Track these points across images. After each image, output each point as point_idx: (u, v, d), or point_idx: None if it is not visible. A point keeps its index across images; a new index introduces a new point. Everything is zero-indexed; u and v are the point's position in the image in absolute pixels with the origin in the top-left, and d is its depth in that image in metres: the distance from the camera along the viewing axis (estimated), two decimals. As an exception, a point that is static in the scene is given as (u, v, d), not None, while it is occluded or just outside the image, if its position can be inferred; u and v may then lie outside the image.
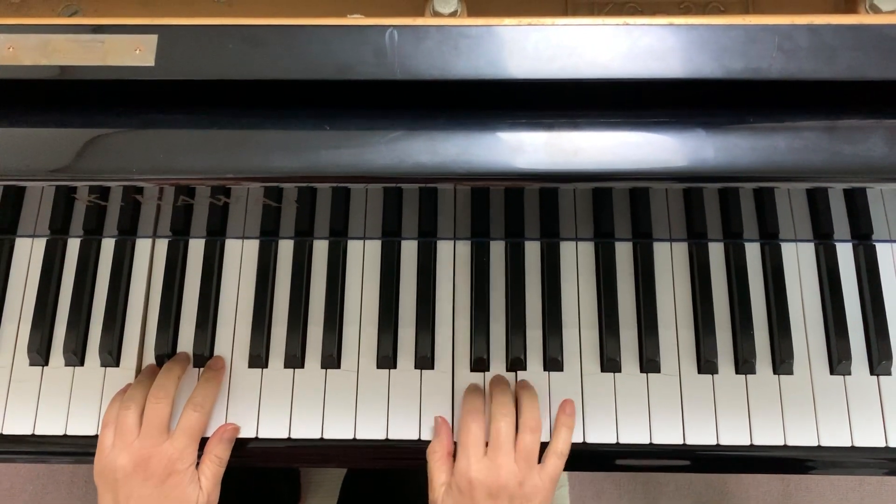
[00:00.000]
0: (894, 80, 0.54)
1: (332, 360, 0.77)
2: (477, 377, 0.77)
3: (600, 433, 0.75)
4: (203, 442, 0.74)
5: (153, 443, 0.69)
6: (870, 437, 0.74)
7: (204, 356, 0.78)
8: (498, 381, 0.76)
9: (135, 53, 0.55)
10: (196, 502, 0.70)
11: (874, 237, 0.79)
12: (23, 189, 0.73)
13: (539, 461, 0.71)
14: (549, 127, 0.56)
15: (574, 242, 0.80)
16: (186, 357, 0.78)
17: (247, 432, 0.76)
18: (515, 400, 0.74)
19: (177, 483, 0.69)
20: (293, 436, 0.76)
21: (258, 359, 0.77)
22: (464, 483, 0.68)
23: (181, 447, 0.70)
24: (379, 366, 0.77)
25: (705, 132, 0.55)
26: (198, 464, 0.72)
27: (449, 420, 0.75)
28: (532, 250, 0.80)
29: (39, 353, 0.78)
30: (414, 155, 0.56)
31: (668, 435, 0.74)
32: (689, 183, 0.61)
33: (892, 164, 0.53)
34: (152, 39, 0.55)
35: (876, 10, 0.60)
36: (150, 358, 0.79)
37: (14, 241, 0.82)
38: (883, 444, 0.74)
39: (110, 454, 0.70)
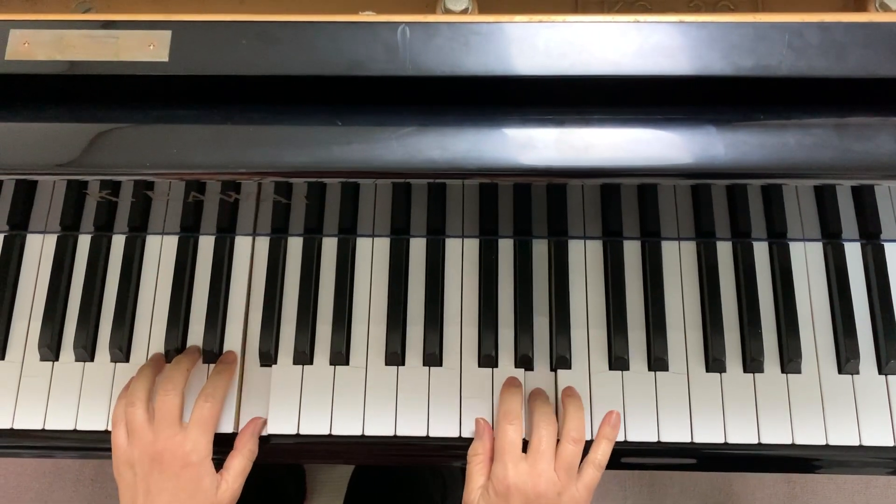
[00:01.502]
0: (904, 78, 0.54)
1: (340, 356, 0.77)
2: (485, 374, 0.77)
3: (608, 431, 0.75)
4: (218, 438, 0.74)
5: (166, 435, 0.70)
6: (878, 436, 0.74)
7: (214, 352, 0.78)
8: (538, 392, 0.76)
9: (148, 49, 0.56)
10: (215, 493, 0.70)
11: (883, 236, 0.79)
12: (34, 186, 0.74)
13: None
14: (560, 123, 0.56)
15: (582, 240, 0.81)
16: (197, 350, 0.78)
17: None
18: (556, 407, 0.74)
19: (192, 475, 0.69)
20: (302, 432, 0.76)
21: (267, 355, 0.78)
22: (501, 488, 0.67)
23: (194, 438, 0.70)
24: (387, 362, 0.78)
25: (715, 129, 0.56)
26: (223, 457, 0.73)
27: (457, 419, 0.76)
28: (540, 248, 0.81)
29: (50, 348, 0.78)
30: (425, 151, 0.56)
31: (676, 433, 0.74)
32: (699, 180, 0.61)
33: (901, 161, 0.54)
34: (166, 35, 0.56)
35: (886, 8, 0.61)
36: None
37: (25, 237, 0.82)
38: (892, 444, 0.74)
39: (126, 451, 0.71)
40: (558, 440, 0.70)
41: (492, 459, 0.71)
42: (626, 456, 0.76)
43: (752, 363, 0.76)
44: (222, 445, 0.74)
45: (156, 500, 0.68)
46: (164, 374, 0.74)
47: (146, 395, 0.73)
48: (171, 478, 0.68)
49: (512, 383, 0.75)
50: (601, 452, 0.71)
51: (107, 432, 0.76)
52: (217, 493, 0.70)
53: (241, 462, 0.73)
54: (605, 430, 0.73)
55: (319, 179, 0.64)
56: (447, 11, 0.61)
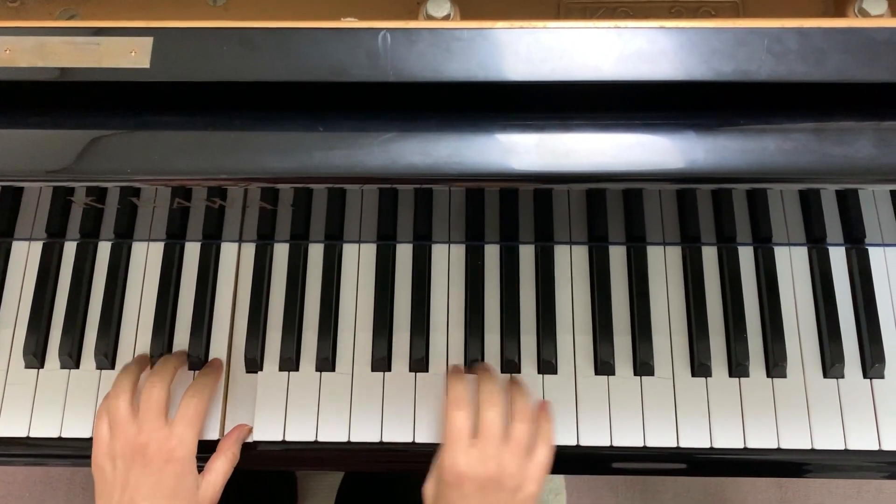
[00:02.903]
0: (882, 83, 0.54)
1: (326, 362, 0.77)
2: (472, 379, 0.76)
3: (594, 436, 0.75)
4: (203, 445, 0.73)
5: (150, 427, 0.68)
6: (863, 440, 0.74)
7: (199, 359, 0.78)
8: (484, 368, 0.75)
9: (130, 56, 0.56)
10: (196, 491, 0.69)
11: (867, 241, 0.79)
12: (20, 192, 0.74)
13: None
14: (541, 128, 0.57)
15: (568, 246, 0.81)
16: (184, 352, 0.78)
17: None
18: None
19: (175, 471, 0.68)
20: (288, 438, 0.76)
21: (253, 362, 0.78)
22: (452, 477, 0.66)
23: (179, 434, 0.69)
24: (373, 368, 0.78)
25: (696, 134, 0.56)
26: (205, 459, 0.72)
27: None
28: (526, 254, 0.81)
29: (35, 355, 0.78)
30: (406, 156, 0.56)
31: (661, 438, 0.74)
32: (680, 184, 0.61)
33: (879, 165, 0.54)
34: (148, 42, 0.56)
35: (865, 14, 0.61)
36: (145, 361, 0.79)
37: (11, 244, 0.82)
38: (877, 448, 0.74)
39: (108, 444, 0.69)
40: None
41: None
42: (614, 461, 0.76)
43: (738, 367, 0.76)
44: (207, 452, 0.73)
45: (134, 494, 0.66)
46: (153, 369, 0.73)
47: (131, 388, 0.72)
48: (153, 472, 0.67)
49: (456, 369, 0.75)
50: (547, 429, 0.72)
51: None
52: (198, 492, 0.69)
53: (222, 464, 0.72)
54: (542, 414, 0.73)
55: (301, 185, 0.65)
56: (429, 18, 0.61)
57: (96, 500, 0.70)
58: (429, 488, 0.70)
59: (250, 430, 0.76)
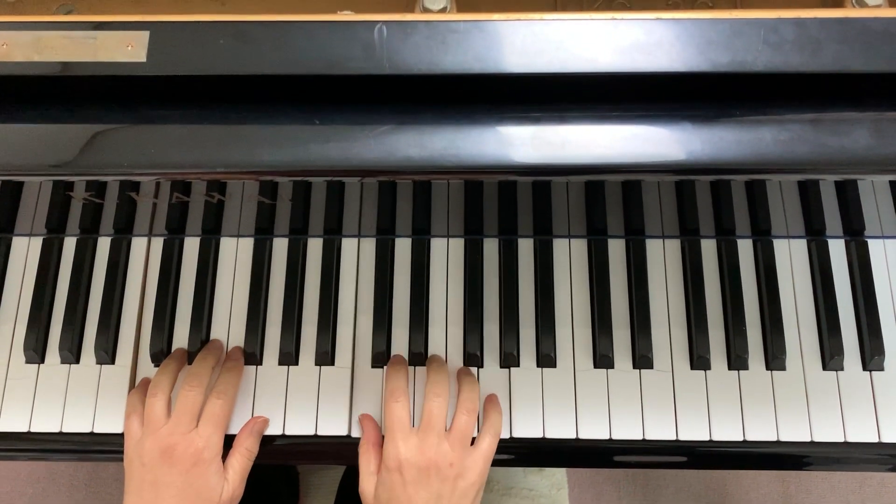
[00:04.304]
0: (879, 73, 0.54)
1: (326, 356, 0.77)
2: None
3: (593, 429, 0.75)
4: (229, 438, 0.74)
5: (181, 430, 0.70)
6: (863, 432, 0.74)
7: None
8: (433, 360, 0.76)
9: (126, 49, 0.56)
10: (220, 493, 0.70)
11: (866, 233, 0.79)
12: (19, 188, 0.74)
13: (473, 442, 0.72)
14: (537, 120, 0.57)
15: (567, 239, 0.81)
16: (220, 346, 0.78)
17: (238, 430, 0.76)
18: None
19: (202, 472, 0.69)
20: (287, 432, 0.76)
21: (252, 356, 0.78)
22: (393, 464, 0.68)
23: (207, 436, 0.70)
24: (373, 363, 0.78)
25: (692, 125, 0.56)
26: (225, 455, 0.73)
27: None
28: (525, 247, 0.81)
29: (35, 350, 0.78)
30: (402, 149, 0.56)
31: (660, 431, 0.74)
32: (677, 175, 0.61)
33: (876, 156, 0.54)
34: (144, 36, 0.56)
35: (862, 3, 0.61)
36: (145, 355, 0.79)
37: (11, 239, 0.83)
38: (876, 440, 0.74)
39: (139, 441, 0.71)
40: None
41: (378, 445, 0.72)
42: (613, 454, 0.76)
43: (737, 360, 0.76)
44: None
45: (163, 493, 0.68)
46: (191, 369, 0.74)
47: (169, 388, 0.73)
48: (181, 473, 0.68)
49: (396, 361, 0.76)
50: (494, 420, 0.73)
51: (93, 434, 0.77)
52: (221, 493, 0.70)
53: (239, 461, 0.73)
54: (490, 406, 0.75)
55: (298, 178, 0.65)
56: (425, 10, 0.61)
57: (125, 493, 0.71)
58: (365, 485, 0.70)
59: (265, 423, 0.76)
